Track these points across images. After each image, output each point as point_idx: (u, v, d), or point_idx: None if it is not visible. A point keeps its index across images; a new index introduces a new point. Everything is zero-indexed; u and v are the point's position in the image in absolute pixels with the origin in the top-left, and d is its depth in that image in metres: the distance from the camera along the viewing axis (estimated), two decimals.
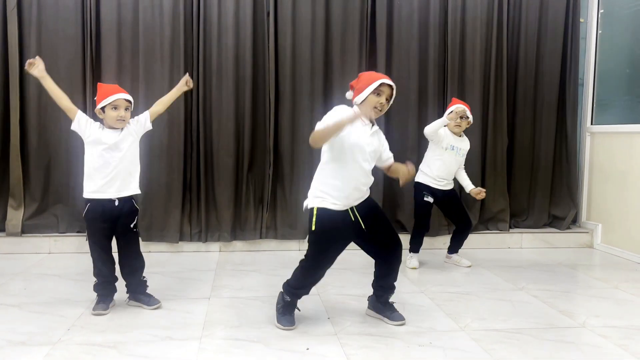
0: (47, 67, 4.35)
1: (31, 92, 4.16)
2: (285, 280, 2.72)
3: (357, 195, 2.60)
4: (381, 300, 2.81)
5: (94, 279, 2.87)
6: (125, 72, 4.22)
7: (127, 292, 2.96)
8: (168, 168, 4.22)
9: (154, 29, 4.19)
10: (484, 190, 3.83)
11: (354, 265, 3.89)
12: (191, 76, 4.26)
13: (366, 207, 2.65)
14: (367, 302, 2.89)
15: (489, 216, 4.70)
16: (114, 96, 2.73)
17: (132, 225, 2.86)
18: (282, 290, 2.73)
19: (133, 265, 2.91)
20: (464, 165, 3.94)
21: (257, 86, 4.36)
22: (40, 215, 4.23)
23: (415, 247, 3.95)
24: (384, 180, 4.40)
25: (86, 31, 4.15)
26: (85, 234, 4.09)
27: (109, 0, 4.16)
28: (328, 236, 2.55)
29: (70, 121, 2.78)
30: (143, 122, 2.89)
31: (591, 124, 4.82)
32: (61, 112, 4.11)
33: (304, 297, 2.73)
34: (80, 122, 2.75)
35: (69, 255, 4.09)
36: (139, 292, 2.94)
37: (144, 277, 2.97)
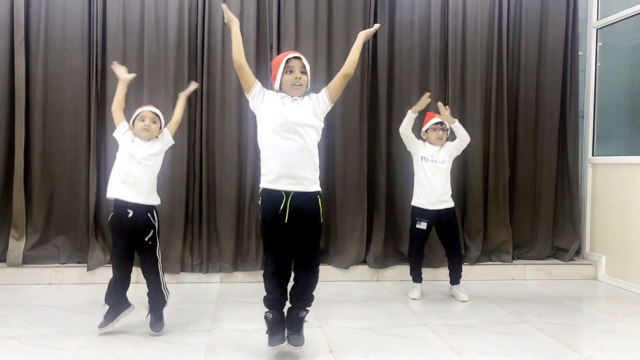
0: (52, 100, 4.41)
1: (36, 124, 4.19)
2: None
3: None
4: (290, 313, 2.68)
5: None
6: (130, 104, 4.23)
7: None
8: (170, 199, 4.22)
9: (158, 62, 4.25)
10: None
11: (355, 298, 3.86)
12: (194, 107, 4.32)
13: (305, 206, 2.57)
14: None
15: (492, 248, 4.67)
16: (140, 109, 3.04)
17: (146, 239, 2.95)
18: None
19: (148, 278, 3.01)
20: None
21: None
22: (42, 246, 4.22)
23: (416, 277, 3.93)
24: (386, 211, 4.41)
25: (92, 64, 4.22)
26: (86, 265, 4.11)
27: (114, 33, 4.24)
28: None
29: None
30: (166, 139, 3.09)
31: (592, 155, 4.84)
32: (66, 144, 4.21)
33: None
34: (121, 130, 3.03)
35: (70, 286, 4.06)
36: (153, 307, 3.01)
37: (163, 293, 3.02)
